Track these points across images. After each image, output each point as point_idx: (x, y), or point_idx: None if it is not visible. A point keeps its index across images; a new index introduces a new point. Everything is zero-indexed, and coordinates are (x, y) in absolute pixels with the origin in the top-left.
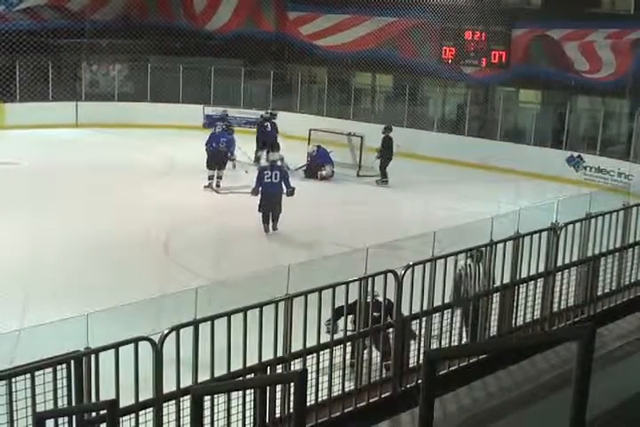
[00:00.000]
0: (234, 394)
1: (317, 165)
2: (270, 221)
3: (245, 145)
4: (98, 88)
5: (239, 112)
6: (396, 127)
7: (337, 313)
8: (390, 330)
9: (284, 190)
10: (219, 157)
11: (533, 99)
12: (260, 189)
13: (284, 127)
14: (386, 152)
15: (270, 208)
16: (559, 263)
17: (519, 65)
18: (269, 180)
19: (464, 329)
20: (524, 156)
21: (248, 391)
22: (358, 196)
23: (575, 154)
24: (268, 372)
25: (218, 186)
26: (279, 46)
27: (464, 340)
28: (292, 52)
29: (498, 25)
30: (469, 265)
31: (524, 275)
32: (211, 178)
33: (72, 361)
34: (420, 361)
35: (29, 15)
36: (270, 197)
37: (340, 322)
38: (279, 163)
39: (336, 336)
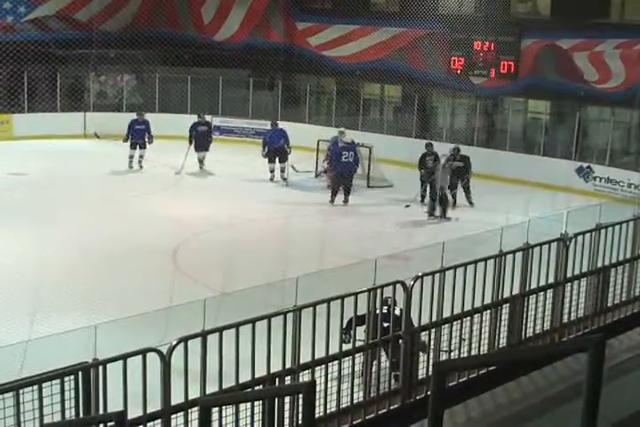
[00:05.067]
0: (242, 406)
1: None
2: (343, 195)
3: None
4: (106, 99)
5: (248, 123)
6: (405, 138)
7: (349, 323)
8: (401, 341)
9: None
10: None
11: (542, 109)
12: (336, 167)
13: (292, 138)
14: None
15: (343, 183)
16: (569, 274)
17: (528, 75)
18: (346, 159)
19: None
20: (534, 166)
21: (256, 403)
22: (368, 207)
23: (585, 164)
24: (277, 383)
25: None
26: (287, 57)
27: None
28: (300, 62)
29: (507, 35)
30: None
31: (533, 286)
32: (272, 171)
33: (80, 372)
34: (430, 373)
35: (37, 26)
36: (346, 175)
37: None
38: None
39: (346, 347)
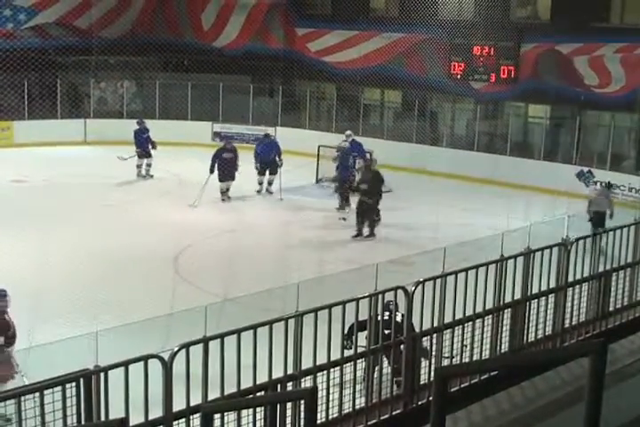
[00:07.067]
0: (244, 412)
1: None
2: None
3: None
4: (106, 105)
5: (248, 129)
6: (405, 143)
7: (350, 330)
8: (402, 347)
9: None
10: (269, 164)
11: (542, 114)
12: (343, 173)
13: (292, 144)
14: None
15: (340, 188)
16: (570, 279)
17: (528, 80)
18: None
19: None
20: (534, 171)
21: (258, 409)
22: None
23: (585, 169)
24: (279, 389)
25: (270, 191)
26: (287, 63)
27: None
28: (300, 68)
29: (507, 40)
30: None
31: (535, 290)
32: (261, 183)
33: (81, 379)
34: (431, 378)
35: (37, 33)
36: (342, 180)
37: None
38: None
39: (348, 353)
